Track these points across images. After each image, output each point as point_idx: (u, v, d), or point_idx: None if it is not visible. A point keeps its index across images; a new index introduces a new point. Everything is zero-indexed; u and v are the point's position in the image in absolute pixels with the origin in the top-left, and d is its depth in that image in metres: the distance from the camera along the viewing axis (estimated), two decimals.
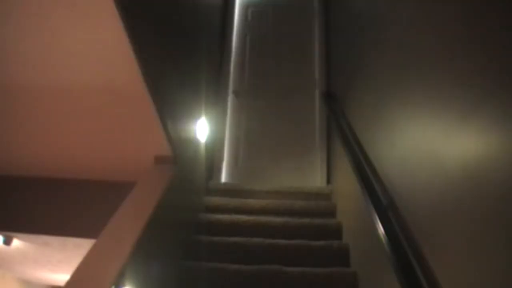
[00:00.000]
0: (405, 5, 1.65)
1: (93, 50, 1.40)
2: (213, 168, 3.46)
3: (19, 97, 1.69)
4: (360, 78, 2.34)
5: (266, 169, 3.74)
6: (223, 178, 3.60)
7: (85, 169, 2.29)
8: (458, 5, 1.16)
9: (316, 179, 3.48)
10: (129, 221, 1.54)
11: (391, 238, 1.38)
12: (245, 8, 4.32)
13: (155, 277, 1.72)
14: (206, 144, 2.80)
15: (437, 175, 1.20)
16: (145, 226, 1.51)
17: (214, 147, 3.46)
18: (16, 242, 2.73)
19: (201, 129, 2.56)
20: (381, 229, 1.45)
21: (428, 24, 1.37)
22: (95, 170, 2.28)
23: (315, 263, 2.22)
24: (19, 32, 1.32)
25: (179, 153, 1.99)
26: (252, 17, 4.28)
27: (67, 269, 3.24)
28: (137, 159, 2.02)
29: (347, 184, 2.50)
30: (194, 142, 2.47)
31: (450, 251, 1.10)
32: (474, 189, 0.98)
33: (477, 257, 0.96)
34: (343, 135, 2.39)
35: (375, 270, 1.78)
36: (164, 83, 1.70)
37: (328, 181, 3.31)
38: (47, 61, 1.47)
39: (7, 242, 2.68)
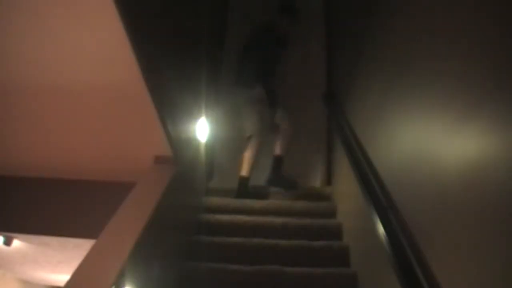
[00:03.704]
0: (405, 7, 1.65)
1: (93, 50, 1.39)
2: (213, 168, 3.46)
3: (19, 97, 1.69)
4: (361, 78, 2.34)
5: (266, 170, 3.73)
6: (223, 178, 3.59)
7: (85, 169, 2.29)
8: (458, 7, 1.16)
9: (316, 180, 3.48)
10: (129, 221, 1.54)
11: (391, 238, 1.38)
12: (246, 7, 4.30)
13: (155, 277, 1.72)
14: (206, 144, 2.80)
15: (438, 175, 1.19)
16: (145, 226, 1.50)
17: (214, 147, 3.46)
18: (16, 243, 2.73)
19: (201, 129, 2.55)
20: (381, 229, 1.44)
21: (427, 26, 1.37)
22: (95, 170, 2.28)
23: (316, 264, 2.22)
24: (19, 33, 1.32)
25: (179, 153, 1.99)
26: (253, 16, 4.27)
27: (67, 269, 3.24)
28: (137, 159, 2.02)
29: (347, 184, 2.50)
30: (194, 142, 2.47)
31: (450, 251, 1.09)
32: (474, 189, 0.98)
33: (477, 257, 0.96)
34: (344, 136, 2.39)
35: (375, 270, 1.78)
36: (164, 83, 1.70)
37: (329, 181, 3.30)
38: (47, 61, 1.47)
39: (7, 242, 2.68)
